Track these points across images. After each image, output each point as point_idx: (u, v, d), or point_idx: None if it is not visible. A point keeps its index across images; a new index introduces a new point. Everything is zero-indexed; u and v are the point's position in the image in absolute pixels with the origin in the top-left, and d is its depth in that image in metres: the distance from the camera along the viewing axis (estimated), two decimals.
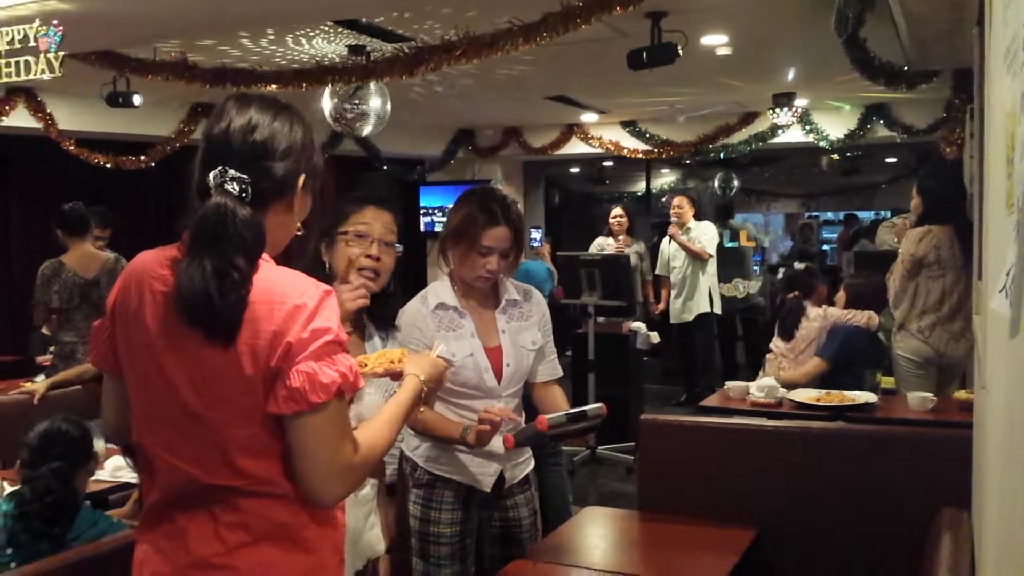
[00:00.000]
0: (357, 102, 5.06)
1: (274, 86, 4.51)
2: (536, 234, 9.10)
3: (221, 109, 1.51)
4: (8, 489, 2.64)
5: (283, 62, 5.22)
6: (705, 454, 3.04)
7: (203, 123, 6.79)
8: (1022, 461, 1.02)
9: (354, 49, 5.04)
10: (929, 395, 3.81)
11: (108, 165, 6.70)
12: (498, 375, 2.49)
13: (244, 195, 1.44)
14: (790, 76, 6.34)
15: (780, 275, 7.88)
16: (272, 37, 4.76)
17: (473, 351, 2.47)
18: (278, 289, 1.42)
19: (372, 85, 5.10)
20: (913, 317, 4.48)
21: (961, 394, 3.82)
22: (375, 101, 5.19)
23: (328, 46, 5.08)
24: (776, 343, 4.70)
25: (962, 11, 3.60)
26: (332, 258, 2.14)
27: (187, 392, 1.42)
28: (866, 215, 13.68)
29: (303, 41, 4.96)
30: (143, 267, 1.48)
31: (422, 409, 1.90)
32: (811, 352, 4.42)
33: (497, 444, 2.37)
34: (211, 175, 1.43)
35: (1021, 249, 0.82)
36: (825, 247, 13.93)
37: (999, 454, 1.44)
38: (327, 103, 5.12)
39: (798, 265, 4.95)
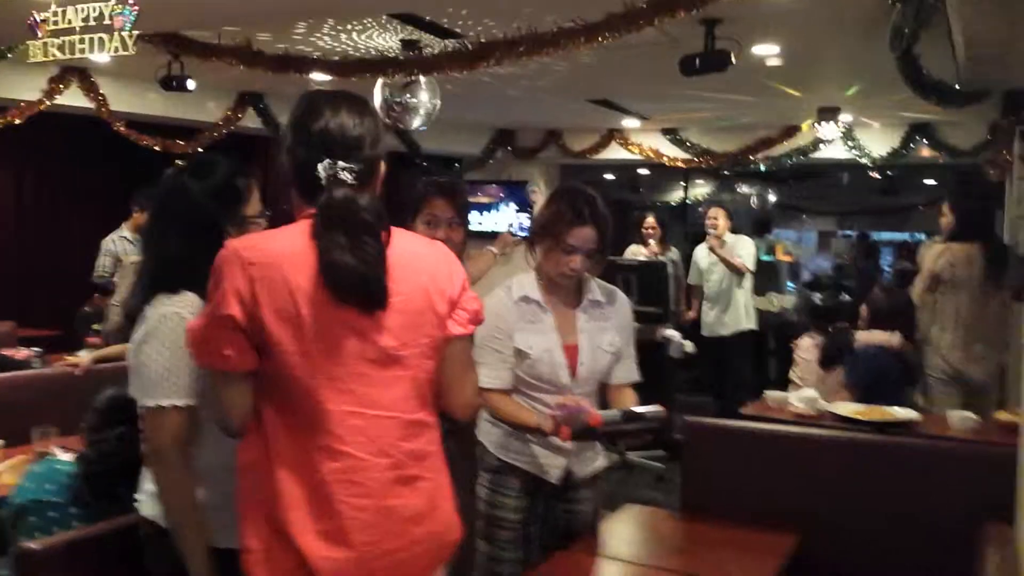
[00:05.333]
0: (408, 95, 5.11)
1: (335, 76, 4.55)
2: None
3: (312, 106, 1.65)
4: (60, 454, 2.70)
5: (335, 53, 5.28)
6: (749, 459, 3.06)
7: (250, 111, 6.98)
8: None
9: (407, 44, 5.09)
10: (971, 414, 3.78)
11: (157, 148, 6.80)
12: (572, 372, 2.53)
13: (356, 182, 1.60)
14: (841, 90, 6.31)
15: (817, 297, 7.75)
16: (328, 29, 4.82)
17: (551, 346, 2.51)
18: (422, 241, 1.76)
19: (422, 79, 5.15)
20: (934, 333, 4.45)
21: (1002, 415, 3.81)
22: (424, 95, 5.24)
23: (382, 41, 5.13)
24: (804, 371, 4.56)
25: (1016, 30, 3.59)
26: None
27: (388, 339, 1.61)
28: (901, 236, 13.54)
29: (356, 34, 5.01)
30: (283, 254, 1.56)
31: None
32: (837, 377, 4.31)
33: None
34: (320, 167, 1.58)
35: None
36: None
37: None
38: (378, 95, 5.16)
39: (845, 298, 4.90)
